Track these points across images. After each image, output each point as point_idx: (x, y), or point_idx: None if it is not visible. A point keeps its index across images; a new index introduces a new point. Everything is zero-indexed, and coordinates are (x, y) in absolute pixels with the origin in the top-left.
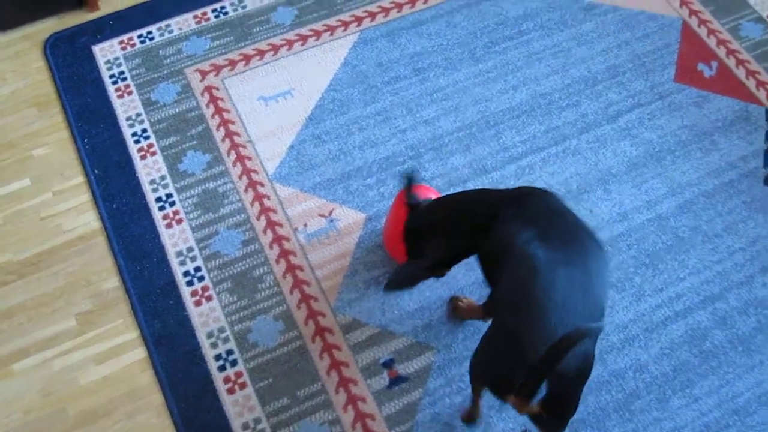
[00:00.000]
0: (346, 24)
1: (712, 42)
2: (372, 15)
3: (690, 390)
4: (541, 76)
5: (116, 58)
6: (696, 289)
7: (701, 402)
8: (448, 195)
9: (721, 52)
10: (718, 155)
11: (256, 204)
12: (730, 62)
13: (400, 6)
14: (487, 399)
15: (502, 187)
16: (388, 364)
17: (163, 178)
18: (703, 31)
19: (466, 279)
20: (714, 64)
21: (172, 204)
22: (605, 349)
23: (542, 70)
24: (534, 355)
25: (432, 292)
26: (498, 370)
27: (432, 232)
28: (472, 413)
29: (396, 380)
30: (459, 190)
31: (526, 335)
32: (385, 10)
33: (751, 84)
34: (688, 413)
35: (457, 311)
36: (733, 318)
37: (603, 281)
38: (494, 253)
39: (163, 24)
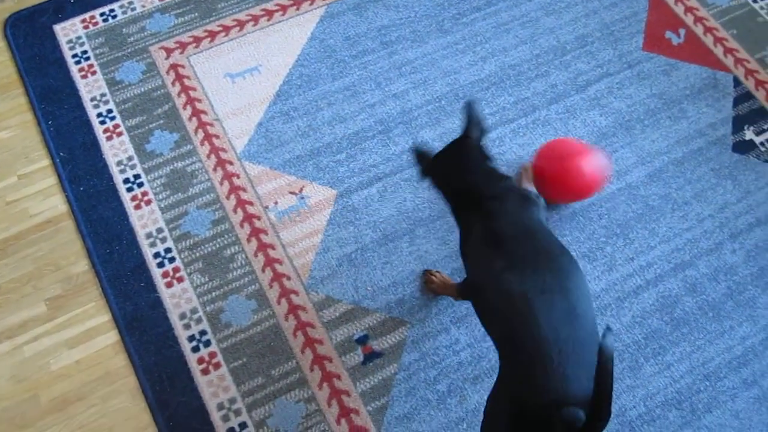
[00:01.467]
0: None
1: (679, 10)
2: None
3: (662, 357)
4: (509, 47)
5: (78, 38)
6: (666, 257)
7: (673, 368)
8: (471, 155)
9: (689, 19)
10: (687, 123)
11: (226, 183)
12: (698, 30)
13: None
14: (463, 372)
15: None
16: (362, 340)
17: (130, 158)
18: None
19: (439, 253)
20: (682, 31)
21: (141, 185)
22: None
23: (511, 41)
24: (549, 393)
25: (405, 266)
26: (536, 408)
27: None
28: None
29: (370, 356)
30: None
31: (532, 378)
32: None
33: (718, 51)
34: (660, 380)
35: (429, 285)
36: (703, 285)
37: (582, 296)
38: (471, 258)
39: (125, 1)
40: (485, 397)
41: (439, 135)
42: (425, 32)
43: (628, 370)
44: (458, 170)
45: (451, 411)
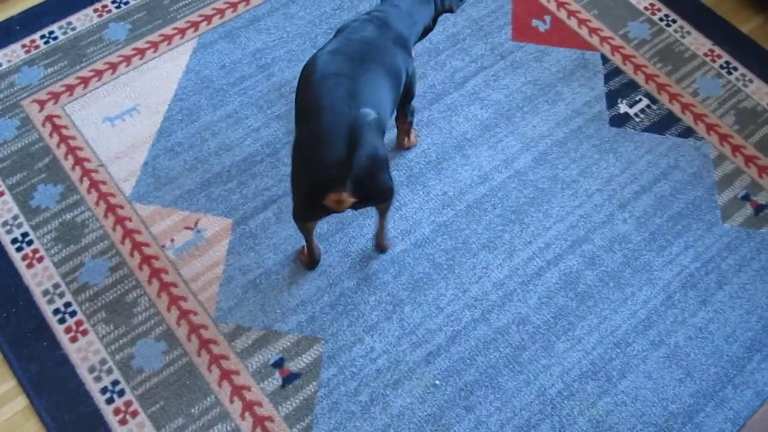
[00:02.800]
0: (182, 31)
1: None
2: (207, 18)
3: (572, 332)
4: None
5: None
6: (563, 235)
7: (584, 341)
8: None
9: (552, 5)
10: (564, 105)
11: (119, 228)
12: (562, 14)
13: (234, 5)
14: (383, 379)
15: None
16: (279, 364)
17: (15, 217)
18: None
19: (342, 265)
20: (547, 18)
21: (30, 243)
22: (487, 309)
23: None
24: (326, 154)
25: (311, 284)
26: (311, 177)
27: None
28: (311, 256)
29: (289, 378)
30: None
31: (313, 141)
32: (221, 11)
33: (584, 32)
34: (573, 355)
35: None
36: (600, 257)
37: (375, 91)
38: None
39: None
40: (408, 401)
41: None
42: (300, 50)
43: (542, 350)
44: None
45: (377, 419)
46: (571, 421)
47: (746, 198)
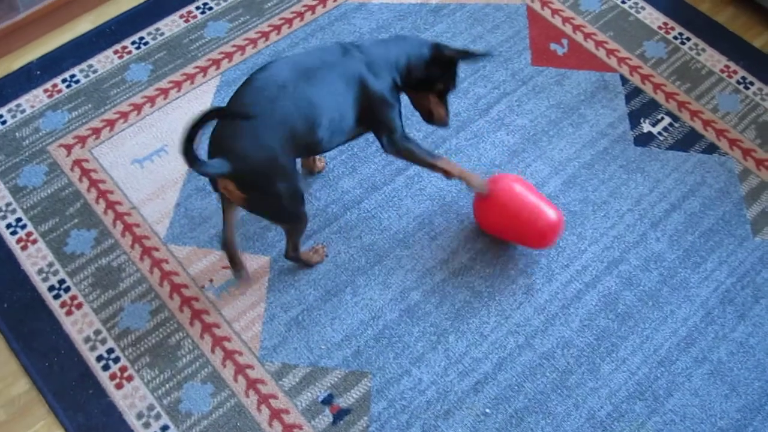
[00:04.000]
0: (204, 69)
1: (557, 21)
2: (228, 55)
3: (616, 353)
4: None
5: None
6: (598, 257)
7: (629, 362)
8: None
9: (568, 29)
10: (588, 127)
11: (156, 270)
12: (578, 37)
13: (254, 42)
14: (433, 410)
15: (397, 200)
16: (328, 400)
17: (50, 265)
18: (547, 13)
19: (383, 297)
20: (564, 41)
21: (67, 290)
22: (530, 334)
23: None
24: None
25: (353, 318)
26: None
27: None
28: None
29: (339, 414)
30: (355, 212)
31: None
32: (241, 48)
33: (601, 54)
34: (619, 376)
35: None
36: (637, 277)
37: (301, 107)
38: None
39: (12, 105)
40: (460, 431)
41: (358, 182)
42: None
43: (588, 373)
44: (402, 45)
45: None
46: None
47: None
